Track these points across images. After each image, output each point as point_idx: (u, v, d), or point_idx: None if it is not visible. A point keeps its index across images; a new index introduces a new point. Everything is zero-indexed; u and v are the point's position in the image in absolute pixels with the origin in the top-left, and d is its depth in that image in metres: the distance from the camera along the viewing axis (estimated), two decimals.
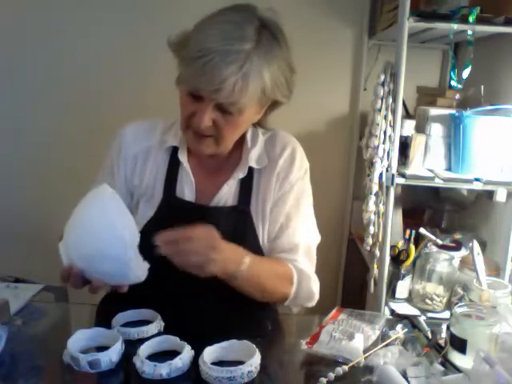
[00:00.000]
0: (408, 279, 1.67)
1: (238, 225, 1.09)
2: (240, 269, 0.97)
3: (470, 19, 1.47)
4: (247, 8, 1.00)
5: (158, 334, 0.96)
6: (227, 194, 1.10)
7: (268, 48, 0.98)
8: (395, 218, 1.76)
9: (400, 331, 1.04)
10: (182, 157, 1.11)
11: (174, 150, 1.12)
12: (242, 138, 1.12)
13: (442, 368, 0.91)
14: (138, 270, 0.91)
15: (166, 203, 1.10)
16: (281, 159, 1.12)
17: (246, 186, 1.11)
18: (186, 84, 1.00)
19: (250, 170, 1.11)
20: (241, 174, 1.10)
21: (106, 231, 0.87)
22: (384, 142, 1.58)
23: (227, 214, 1.10)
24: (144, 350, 0.87)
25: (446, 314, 1.57)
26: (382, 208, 1.63)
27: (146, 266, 0.92)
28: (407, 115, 1.93)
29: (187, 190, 1.11)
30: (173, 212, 1.09)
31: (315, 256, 1.16)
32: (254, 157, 1.11)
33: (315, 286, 1.13)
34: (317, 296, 1.14)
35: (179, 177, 1.11)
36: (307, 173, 1.17)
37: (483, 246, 1.67)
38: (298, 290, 1.09)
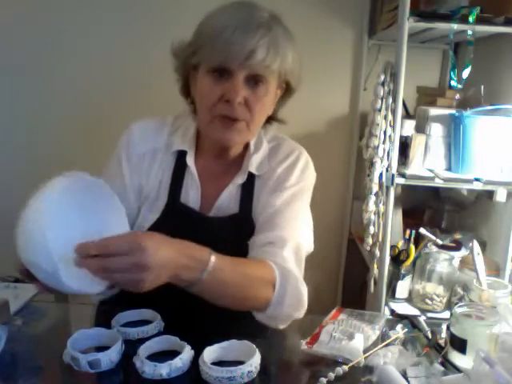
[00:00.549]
0: (408, 279, 1.67)
1: (241, 232, 1.06)
2: (202, 276, 0.84)
3: (470, 19, 1.47)
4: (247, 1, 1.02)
5: (158, 333, 0.96)
6: (227, 200, 1.09)
7: (282, 25, 1.00)
8: (395, 218, 1.76)
9: (400, 331, 1.04)
10: (190, 160, 1.09)
11: (179, 154, 1.11)
12: (247, 144, 1.12)
13: (441, 368, 0.91)
14: (77, 283, 0.77)
15: (169, 208, 1.09)
16: (280, 167, 1.11)
17: (247, 192, 1.10)
18: (211, 61, 0.97)
19: (252, 176, 1.10)
20: (240, 179, 1.09)
21: (34, 237, 0.76)
22: (384, 142, 1.58)
23: (229, 222, 1.08)
24: (144, 350, 0.87)
25: (446, 314, 1.57)
26: (382, 208, 1.63)
27: (99, 281, 0.79)
28: (407, 115, 1.94)
29: (192, 194, 1.09)
30: (176, 218, 1.08)
31: (304, 262, 1.06)
32: (254, 163, 1.10)
33: (304, 289, 0.99)
34: (305, 303, 0.99)
35: (185, 181, 1.10)
36: (308, 182, 1.13)
37: (483, 246, 1.67)
38: (283, 293, 0.94)
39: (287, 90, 1.09)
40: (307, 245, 1.10)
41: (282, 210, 1.05)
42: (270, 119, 1.13)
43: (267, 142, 1.15)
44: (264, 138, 1.15)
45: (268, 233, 1.02)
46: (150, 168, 1.11)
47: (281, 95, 1.09)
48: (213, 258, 0.85)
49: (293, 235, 1.03)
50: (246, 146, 1.12)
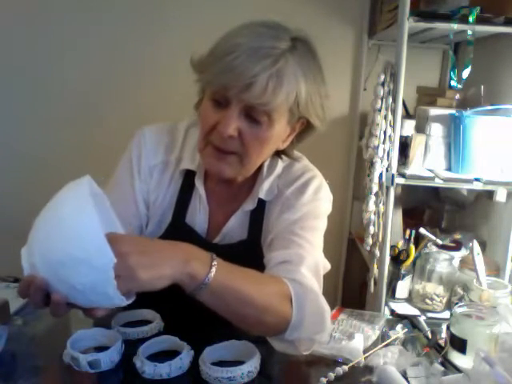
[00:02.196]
0: (408, 279, 1.67)
1: (248, 260, 0.92)
2: (211, 273, 0.77)
3: (470, 19, 1.47)
4: (277, 22, 0.92)
5: (158, 333, 0.96)
6: (235, 226, 1.03)
7: (303, 56, 0.90)
8: (395, 218, 1.76)
9: (400, 331, 1.04)
10: (199, 182, 1.02)
11: (188, 172, 1.04)
12: (260, 167, 1.02)
13: (441, 368, 0.91)
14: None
15: (174, 227, 1.03)
16: (289, 190, 1.01)
17: (256, 218, 1.02)
18: (210, 84, 0.90)
19: (262, 202, 1.02)
20: (250, 205, 1.02)
21: (86, 231, 0.66)
22: (384, 142, 1.59)
23: (235, 249, 1.01)
24: (144, 349, 0.87)
25: (446, 314, 1.57)
26: (381, 208, 1.63)
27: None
28: (407, 115, 1.93)
29: (199, 217, 1.04)
30: (179, 239, 0.94)
31: (322, 281, 0.95)
32: (265, 188, 1.02)
33: (326, 306, 0.89)
34: (328, 323, 0.88)
35: (192, 202, 1.04)
36: (322, 203, 1.02)
37: (483, 246, 1.68)
38: (303, 309, 0.84)
39: (308, 127, 0.98)
40: (324, 262, 1.01)
41: (296, 226, 0.97)
42: (280, 153, 1.04)
43: (282, 160, 1.05)
44: (279, 160, 1.05)
45: (283, 251, 0.94)
46: (159, 181, 1.05)
47: (299, 131, 0.99)
48: (212, 256, 0.80)
49: (310, 252, 0.94)
50: (259, 168, 1.02)
